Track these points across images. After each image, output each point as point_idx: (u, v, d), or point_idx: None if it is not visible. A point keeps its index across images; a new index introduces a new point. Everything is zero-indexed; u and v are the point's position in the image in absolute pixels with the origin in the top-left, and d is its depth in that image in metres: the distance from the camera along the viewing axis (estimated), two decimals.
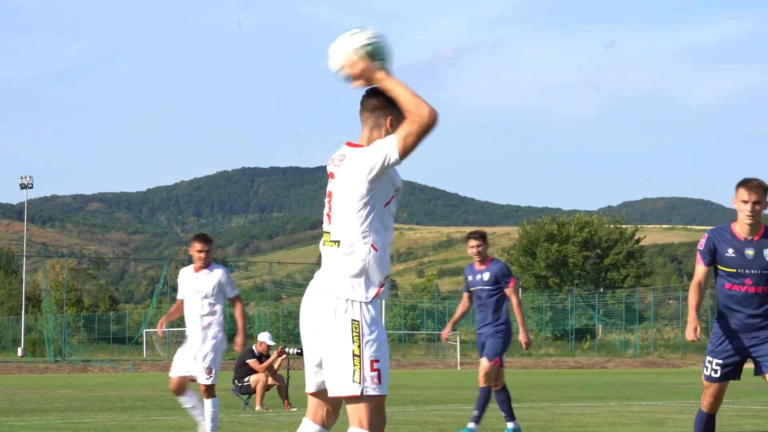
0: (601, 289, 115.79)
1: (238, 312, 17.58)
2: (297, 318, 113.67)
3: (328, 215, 8.58)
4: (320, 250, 8.70)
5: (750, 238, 12.52)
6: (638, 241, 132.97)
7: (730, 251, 12.61)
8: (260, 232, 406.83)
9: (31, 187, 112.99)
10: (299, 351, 29.46)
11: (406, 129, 8.14)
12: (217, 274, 17.28)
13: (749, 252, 12.53)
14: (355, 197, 8.36)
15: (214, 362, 17.07)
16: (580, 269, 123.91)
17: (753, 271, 12.54)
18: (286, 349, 28.82)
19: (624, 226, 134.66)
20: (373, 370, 8.25)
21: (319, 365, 8.59)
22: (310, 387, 8.75)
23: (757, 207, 12.43)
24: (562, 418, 23.53)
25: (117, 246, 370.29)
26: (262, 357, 28.29)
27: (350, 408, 8.43)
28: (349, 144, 8.67)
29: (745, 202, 12.46)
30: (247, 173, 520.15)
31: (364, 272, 8.41)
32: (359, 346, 8.27)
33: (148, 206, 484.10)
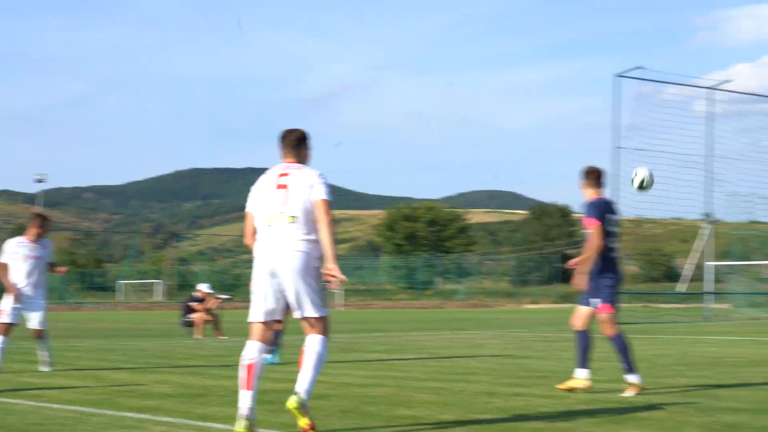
0: (441, 254, 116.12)
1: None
2: (227, 273, 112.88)
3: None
4: (272, 224, 8.88)
5: None
6: (467, 220, 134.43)
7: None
8: (204, 214, 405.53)
9: (46, 181, 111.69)
10: (228, 296, 29.38)
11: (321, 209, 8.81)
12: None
13: None
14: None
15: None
16: (426, 240, 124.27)
17: None
18: (219, 295, 29.39)
19: (458, 210, 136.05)
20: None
21: (274, 301, 8.83)
22: (259, 317, 8.88)
23: None
24: (411, 343, 23.59)
25: (103, 223, 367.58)
26: (202, 300, 28.67)
27: (316, 323, 8.83)
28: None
29: None
30: (195, 172, 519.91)
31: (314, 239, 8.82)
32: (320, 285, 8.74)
33: (125, 195, 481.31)
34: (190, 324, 28.47)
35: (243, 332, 27.35)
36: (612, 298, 12.20)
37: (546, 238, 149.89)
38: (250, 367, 8.73)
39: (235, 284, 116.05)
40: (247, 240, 9.20)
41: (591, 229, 12.13)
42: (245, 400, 8.60)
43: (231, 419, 9.35)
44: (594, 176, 12.58)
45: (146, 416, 9.98)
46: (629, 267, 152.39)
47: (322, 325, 8.95)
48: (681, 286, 59.71)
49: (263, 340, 8.91)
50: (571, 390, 12.04)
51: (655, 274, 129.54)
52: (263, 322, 8.94)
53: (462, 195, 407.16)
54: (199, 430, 9.06)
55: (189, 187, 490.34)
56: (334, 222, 8.86)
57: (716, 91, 42.65)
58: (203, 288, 29.28)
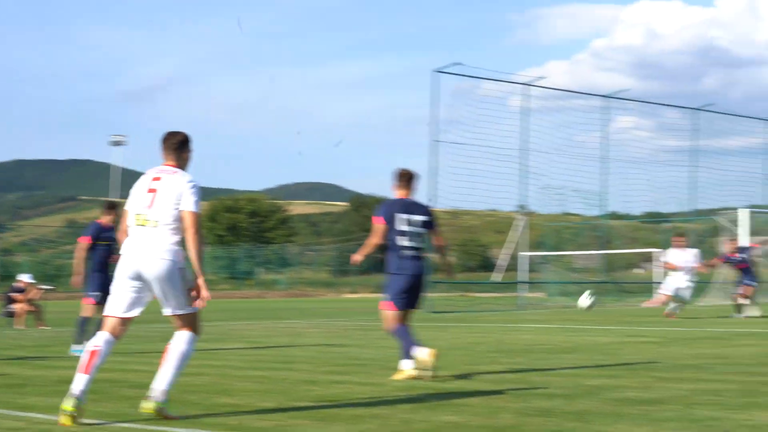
0: (262, 244, 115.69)
1: None
2: (50, 263, 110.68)
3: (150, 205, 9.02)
4: (139, 226, 9.06)
5: None
6: (288, 211, 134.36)
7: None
8: (27, 205, 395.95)
9: None
10: (50, 287, 28.82)
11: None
12: None
13: None
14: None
15: None
16: (248, 231, 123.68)
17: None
18: (41, 286, 28.79)
19: (279, 201, 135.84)
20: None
21: (130, 301, 9.07)
22: (115, 312, 9.06)
23: None
24: (232, 332, 23.48)
25: None
26: (23, 291, 28.12)
27: (184, 319, 9.18)
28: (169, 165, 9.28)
29: None
30: (19, 163, 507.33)
31: (179, 244, 8.95)
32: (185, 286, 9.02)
33: None
34: (11, 314, 27.94)
35: (65, 322, 26.85)
36: (395, 296, 12.39)
37: (365, 229, 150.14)
38: (93, 353, 8.85)
39: (58, 275, 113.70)
40: (120, 235, 9.41)
41: (375, 225, 12.55)
42: (79, 382, 8.67)
43: (52, 409, 9.21)
44: (404, 179, 12.89)
45: None
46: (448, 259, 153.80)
47: (190, 321, 9.24)
48: (496, 276, 60.75)
49: (114, 334, 9.06)
50: (414, 378, 12.10)
51: (471, 264, 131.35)
52: (118, 317, 9.10)
53: (283, 187, 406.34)
54: (19, 420, 8.88)
55: (12, 178, 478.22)
56: (200, 233, 9.10)
57: (531, 87, 43.42)
58: (25, 278, 28.80)
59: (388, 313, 12.47)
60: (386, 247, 12.55)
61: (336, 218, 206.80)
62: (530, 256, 50.69)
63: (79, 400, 8.60)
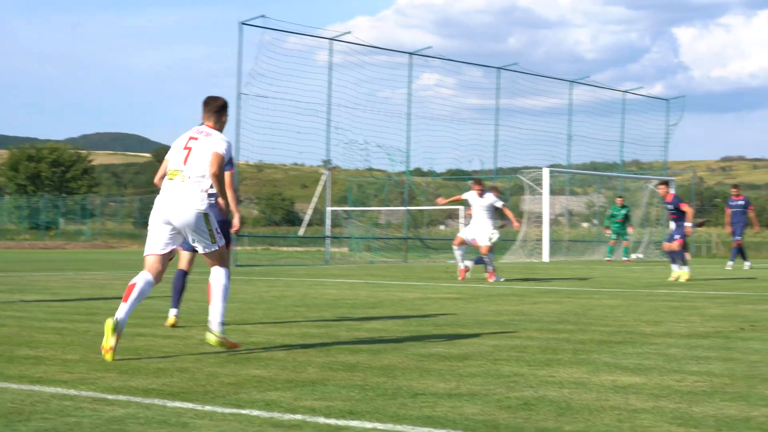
0: (65, 195, 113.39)
1: None
2: None
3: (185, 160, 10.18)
4: (172, 178, 10.25)
5: None
6: (91, 161, 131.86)
7: None
8: None
9: None
10: None
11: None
12: None
13: None
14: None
15: None
16: (50, 181, 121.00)
17: None
18: None
19: (81, 151, 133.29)
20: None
21: (164, 241, 10.28)
22: (152, 251, 10.34)
23: None
24: (34, 284, 22.89)
25: None
26: None
27: (214, 256, 10.33)
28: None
29: None
30: None
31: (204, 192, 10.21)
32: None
33: None
34: None
35: None
36: None
37: None
38: (132, 286, 10.00)
39: None
40: (156, 180, 10.73)
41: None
42: (121, 310, 9.81)
43: None
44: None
45: None
46: (251, 211, 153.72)
47: (219, 257, 10.35)
48: (302, 230, 60.76)
49: (152, 271, 10.20)
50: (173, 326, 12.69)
51: (276, 218, 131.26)
52: (155, 255, 10.28)
53: (85, 137, 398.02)
54: None
55: None
56: (221, 176, 10.16)
57: (336, 42, 43.38)
58: None
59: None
60: None
61: (139, 169, 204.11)
62: (335, 210, 50.84)
63: (118, 321, 9.66)
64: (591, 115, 55.93)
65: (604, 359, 9.65)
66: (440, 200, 27.61)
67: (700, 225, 49.56)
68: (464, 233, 25.50)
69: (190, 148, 10.24)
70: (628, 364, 9.27)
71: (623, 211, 43.94)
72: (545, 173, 45.29)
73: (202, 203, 10.09)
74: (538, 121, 53.32)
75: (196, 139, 10.27)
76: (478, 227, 25.18)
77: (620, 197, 45.28)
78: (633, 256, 46.36)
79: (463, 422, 6.58)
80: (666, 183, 27.17)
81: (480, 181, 25.49)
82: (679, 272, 25.64)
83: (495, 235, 24.97)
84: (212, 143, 10.14)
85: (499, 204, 25.24)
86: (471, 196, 25.36)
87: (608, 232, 44.41)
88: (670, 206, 26.43)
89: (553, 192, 47.46)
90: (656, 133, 58.57)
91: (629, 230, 44.79)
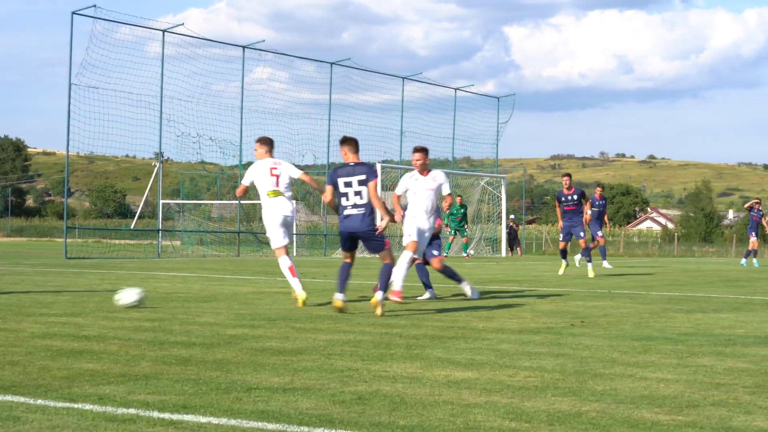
0: None
1: None
2: None
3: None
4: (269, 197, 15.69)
5: None
6: None
7: None
8: None
9: None
10: None
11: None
12: None
13: None
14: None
15: None
16: None
17: None
18: None
19: None
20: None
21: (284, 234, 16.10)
22: (281, 243, 15.90)
23: None
24: None
25: None
26: None
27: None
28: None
29: None
30: None
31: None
32: None
33: None
34: None
35: None
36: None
37: (0, 171, 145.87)
38: (291, 267, 15.63)
39: None
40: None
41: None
42: (297, 284, 15.46)
43: None
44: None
45: None
46: (83, 203, 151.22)
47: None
48: (133, 223, 59.99)
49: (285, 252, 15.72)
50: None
51: (107, 210, 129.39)
52: (284, 246, 15.74)
53: None
54: None
55: None
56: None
57: (168, 34, 42.96)
58: None
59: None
60: None
61: None
62: (167, 203, 50.31)
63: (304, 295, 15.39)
64: (423, 111, 56.61)
65: (437, 354, 9.78)
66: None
67: (531, 222, 50.60)
68: None
69: (277, 175, 15.92)
70: (461, 360, 9.40)
71: (462, 210, 45.06)
72: (378, 168, 45.63)
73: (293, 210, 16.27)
74: (371, 117, 53.66)
75: (275, 168, 16.02)
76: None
77: (459, 196, 46.37)
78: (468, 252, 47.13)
79: (297, 417, 6.60)
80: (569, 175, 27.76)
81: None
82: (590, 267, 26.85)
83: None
84: (286, 170, 16.10)
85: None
86: None
87: (447, 229, 45.27)
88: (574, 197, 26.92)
89: (385, 188, 47.85)
90: (487, 130, 59.58)
91: (466, 228, 45.99)
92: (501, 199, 55.28)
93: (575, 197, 26.47)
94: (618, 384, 8.15)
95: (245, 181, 16.16)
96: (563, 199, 26.66)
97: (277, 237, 15.78)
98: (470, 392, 7.64)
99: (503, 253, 53.42)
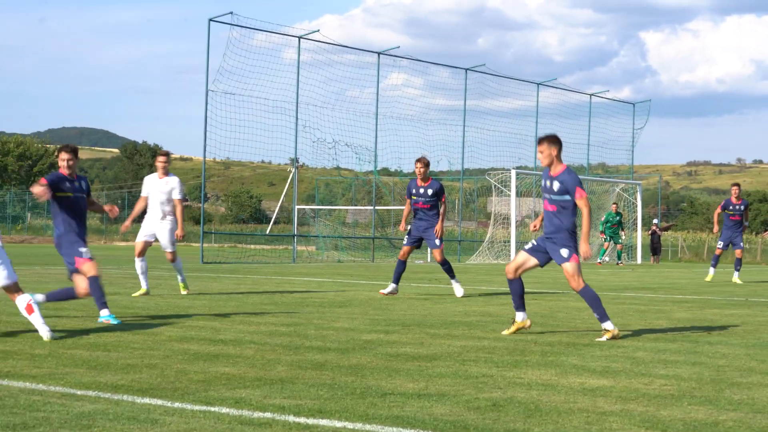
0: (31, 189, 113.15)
1: None
2: None
3: None
4: None
5: None
6: (56, 156, 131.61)
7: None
8: None
9: None
10: None
11: None
12: None
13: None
14: None
15: None
16: (17, 174, 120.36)
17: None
18: None
19: (49, 145, 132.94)
20: None
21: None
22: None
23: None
24: None
25: None
26: None
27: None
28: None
29: None
30: None
31: None
32: None
33: None
34: None
35: None
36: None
37: (137, 177, 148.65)
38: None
39: None
40: None
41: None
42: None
43: None
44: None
45: None
46: (218, 208, 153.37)
47: None
48: (269, 228, 60.64)
49: None
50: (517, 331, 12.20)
51: (243, 215, 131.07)
52: None
53: (52, 131, 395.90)
54: None
55: None
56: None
57: (304, 40, 43.31)
58: None
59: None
60: None
61: (106, 164, 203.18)
62: (302, 209, 50.77)
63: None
64: (558, 117, 56.11)
65: (572, 361, 9.70)
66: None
67: (666, 229, 49.99)
68: None
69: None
70: (596, 367, 9.31)
71: (618, 217, 45.11)
72: (512, 175, 45.42)
73: None
74: (505, 123, 53.38)
75: None
76: None
77: (615, 204, 46.40)
78: (605, 258, 46.67)
79: (432, 422, 6.60)
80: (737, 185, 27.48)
81: None
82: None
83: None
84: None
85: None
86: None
87: (603, 236, 45.49)
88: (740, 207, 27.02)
89: (519, 194, 47.62)
90: (622, 136, 58.89)
91: (622, 235, 45.97)
92: (636, 206, 54.57)
93: (742, 208, 26.54)
94: (756, 393, 7.99)
95: None
96: (730, 207, 26.68)
97: None
98: (605, 400, 7.56)
99: (639, 260, 52.73)
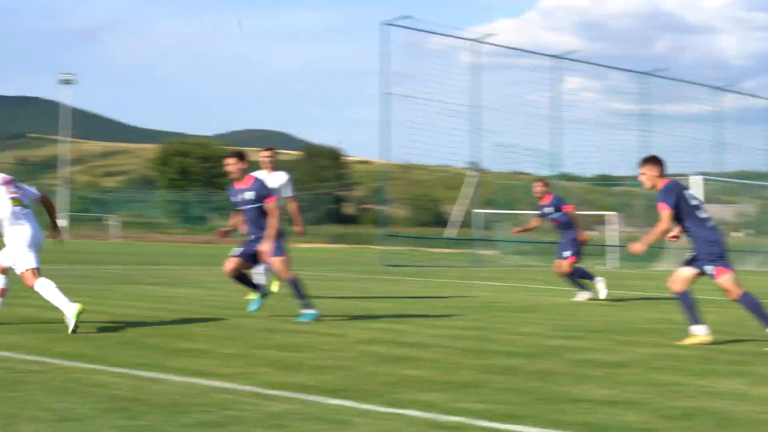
0: (214, 190, 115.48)
1: None
2: None
3: None
4: None
5: None
6: None
7: None
8: None
9: None
10: None
11: None
12: None
13: None
14: None
15: None
16: (200, 176, 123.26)
17: None
18: None
19: (231, 147, 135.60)
20: None
21: None
22: None
23: None
24: (186, 277, 23.29)
25: None
26: None
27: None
28: None
29: None
30: None
31: None
32: None
33: None
34: None
35: None
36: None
37: (318, 179, 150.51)
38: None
39: None
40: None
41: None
42: None
43: (13, 347, 9.17)
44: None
45: None
46: (396, 210, 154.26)
47: None
48: (450, 232, 60.77)
49: None
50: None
51: (423, 218, 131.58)
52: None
53: (234, 133, 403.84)
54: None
55: None
56: None
57: (480, 44, 43.26)
58: None
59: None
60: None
61: (288, 167, 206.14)
62: (482, 213, 50.75)
63: None
64: (739, 122, 54.82)
65: (762, 371, 9.52)
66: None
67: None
68: None
69: None
70: None
71: None
72: (697, 181, 44.55)
73: None
74: (684, 128, 52.37)
75: None
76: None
77: None
78: None
79: (623, 430, 6.57)
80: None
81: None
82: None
83: None
84: None
85: None
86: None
87: None
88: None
89: (705, 201, 46.68)
90: None
91: None
92: None
93: None
94: None
95: None
96: None
97: None
98: None
99: None
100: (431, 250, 61.59)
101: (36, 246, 11.57)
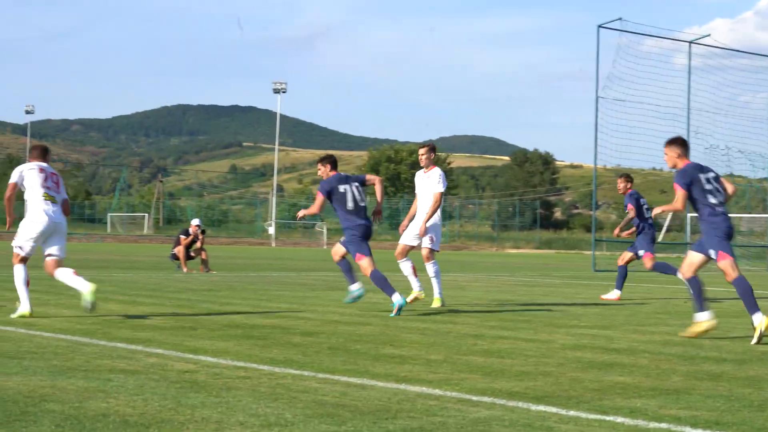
0: None
1: None
2: (215, 208, 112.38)
3: None
4: None
5: None
6: (449, 164, 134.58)
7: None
8: (189, 149, 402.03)
9: (33, 113, 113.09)
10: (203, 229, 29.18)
11: None
12: None
13: None
14: None
15: None
16: (410, 182, 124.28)
17: None
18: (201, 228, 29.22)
19: (440, 153, 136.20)
20: None
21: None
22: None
23: None
24: (394, 283, 23.49)
25: (90, 156, 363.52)
26: (189, 235, 28.69)
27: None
28: None
29: None
30: (181, 108, 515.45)
31: None
32: None
33: (112, 128, 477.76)
34: (176, 257, 28.55)
35: (228, 267, 27.29)
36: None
37: (528, 184, 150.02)
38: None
39: (222, 220, 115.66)
40: None
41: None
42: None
43: (221, 353, 9.41)
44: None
45: (138, 347, 9.95)
46: (607, 214, 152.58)
47: None
48: (661, 236, 59.80)
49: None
50: (696, 335, 12.21)
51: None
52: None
53: (444, 139, 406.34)
54: (190, 363, 9.03)
55: (175, 122, 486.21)
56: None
57: (695, 45, 42.42)
58: (195, 222, 29.25)
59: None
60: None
61: (497, 172, 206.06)
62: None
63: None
64: None
65: None
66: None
67: None
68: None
69: None
70: None
71: None
72: None
73: None
74: None
75: None
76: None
77: None
78: None
79: None
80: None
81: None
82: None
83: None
84: None
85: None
86: None
87: None
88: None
89: None
90: None
91: None
92: None
93: None
94: None
95: None
96: None
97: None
98: None
99: None
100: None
101: (42, 236, 12.96)
